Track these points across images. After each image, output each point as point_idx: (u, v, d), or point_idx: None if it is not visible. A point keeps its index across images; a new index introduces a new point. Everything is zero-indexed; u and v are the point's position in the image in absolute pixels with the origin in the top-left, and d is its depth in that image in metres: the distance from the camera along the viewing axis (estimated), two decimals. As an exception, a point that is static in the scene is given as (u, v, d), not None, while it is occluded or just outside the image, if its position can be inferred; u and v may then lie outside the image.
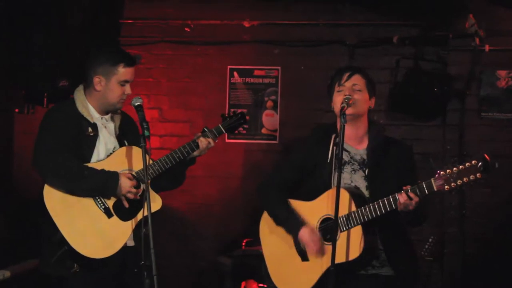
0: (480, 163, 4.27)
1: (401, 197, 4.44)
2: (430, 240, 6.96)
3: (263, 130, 8.00)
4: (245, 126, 6.28)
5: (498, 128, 7.58)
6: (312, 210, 4.82)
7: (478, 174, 4.27)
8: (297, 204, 4.93)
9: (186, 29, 8.01)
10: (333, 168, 4.76)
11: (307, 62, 7.96)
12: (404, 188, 4.46)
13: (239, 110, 5.59)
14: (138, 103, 4.86)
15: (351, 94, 4.70)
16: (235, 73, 8.06)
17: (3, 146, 7.94)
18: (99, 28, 7.46)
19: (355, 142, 4.86)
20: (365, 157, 4.82)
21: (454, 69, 7.53)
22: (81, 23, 7.12)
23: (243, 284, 7.00)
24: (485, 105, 7.65)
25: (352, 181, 4.79)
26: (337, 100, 4.76)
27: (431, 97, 7.42)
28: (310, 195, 4.86)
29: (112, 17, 7.93)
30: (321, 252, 4.72)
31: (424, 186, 4.41)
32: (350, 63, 7.67)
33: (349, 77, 4.80)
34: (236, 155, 8.00)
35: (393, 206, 4.48)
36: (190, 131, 7.87)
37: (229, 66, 8.09)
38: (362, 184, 4.77)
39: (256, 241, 7.36)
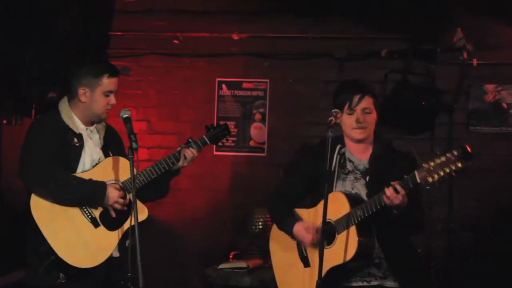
0: (459, 153, 4.32)
1: (388, 191, 4.47)
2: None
3: (251, 143, 8.00)
4: (229, 137, 6.29)
5: (486, 142, 7.61)
6: (314, 216, 4.93)
7: (458, 163, 4.31)
8: (300, 212, 5.07)
9: (175, 41, 8.01)
10: (335, 176, 4.85)
11: (296, 75, 7.97)
12: (391, 183, 4.50)
13: (223, 122, 5.62)
14: (126, 115, 4.87)
15: (362, 118, 4.83)
16: (224, 86, 8.06)
17: (-9, 157, 7.93)
18: (87, 39, 7.45)
19: (361, 153, 4.95)
20: (367, 166, 4.90)
21: (442, 83, 7.56)
22: (70, 35, 7.12)
23: (230, 296, 7.01)
24: (473, 118, 7.68)
25: (353, 189, 4.86)
26: (348, 123, 4.87)
27: (420, 110, 7.44)
28: (313, 203, 4.98)
29: (101, 29, 7.92)
30: (317, 243, 4.77)
31: (409, 178, 4.46)
32: (339, 77, 7.67)
33: (360, 100, 4.85)
34: (224, 167, 8.00)
35: (382, 203, 4.53)
36: (178, 143, 7.72)
37: (217, 79, 8.09)
38: (362, 192, 4.83)
39: (243, 253, 7.44)
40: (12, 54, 6.78)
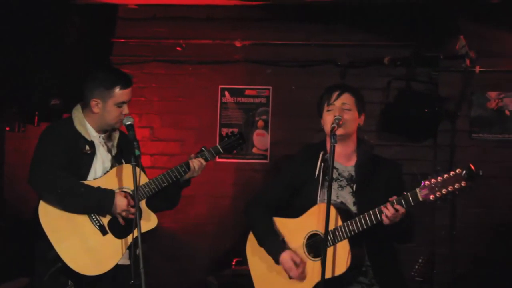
0: (464, 171, 4.28)
1: (386, 210, 4.43)
2: (420, 260, 6.95)
3: (254, 150, 8.00)
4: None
5: (489, 149, 7.61)
6: (299, 227, 4.82)
7: (463, 182, 4.29)
8: (283, 222, 4.94)
9: (178, 48, 8.02)
10: (319, 185, 4.76)
11: (299, 82, 7.97)
12: (389, 199, 4.45)
13: (234, 130, 5.59)
14: (129, 122, 4.90)
15: (340, 114, 4.71)
16: (226, 93, 8.07)
17: (-7, 164, 7.93)
18: (91, 47, 7.47)
19: (344, 159, 4.87)
20: (353, 173, 4.83)
21: (445, 90, 7.56)
22: (73, 42, 7.13)
23: (232, 303, 7.01)
24: (476, 126, 7.68)
25: (338, 197, 4.79)
26: (327, 120, 4.78)
27: (422, 118, 7.44)
28: (297, 212, 4.85)
29: (104, 36, 7.94)
30: (303, 275, 4.73)
31: (410, 196, 4.41)
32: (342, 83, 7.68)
33: (339, 96, 4.80)
34: (227, 174, 8.00)
35: (379, 219, 4.48)
36: (181, 150, 7.88)
37: (220, 86, 8.09)
38: (349, 200, 4.77)
39: (246, 260, 7.41)
40: (15, 62, 6.80)
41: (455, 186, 4.29)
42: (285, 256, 4.77)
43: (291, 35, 7.98)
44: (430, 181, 4.35)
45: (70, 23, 7.25)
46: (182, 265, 8.04)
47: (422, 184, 4.37)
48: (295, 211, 4.86)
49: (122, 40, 8.10)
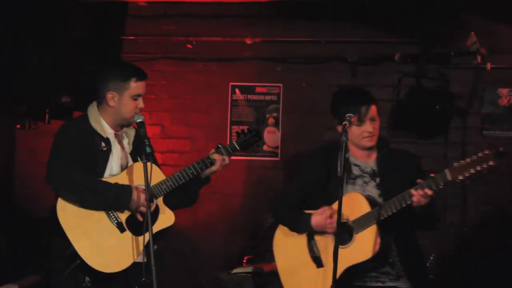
0: (492, 151, 4.43)
1: (415, 192, 4.56)
2: (432, 258, 6.95)
3: (265, 147, 8.00)
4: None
5: (500, 146, 7.57)
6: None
7: (491, 162, 4.41)
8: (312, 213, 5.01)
9: (188, 45, 8.02)
10: (344, 181, 4.82)
11: (309, 79, 7.97)
12: (418, 180, 4.57)
13: (244, 128, 5.62)
14: (140, 120, 4.90)
15: (371, 127, 4.90)
16: (237, 90, 8.06)
17: (5, 162, 7.94)
18: (100, 44, 7.46)
19: (365, 157, 5.01)
20: (375, 168, 4.97)
21: (456, 87, 7.54)
22: (83, 39, 7.13)
23: (243, 301, 7.00)
24: (487, 123, 7.66)
25: (364, 192, 4.90)
26: (357, 133, 4.92)
27: (433, 115, 7.42)
28: (329, 202, 4.93)
29: (114, 33, 7.93)
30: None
31: (439, 177, 4.53)
32: (352, 81, 7.68)
33: (367, 110, 4.91)
34: (237, 172, 7.99)
35: (408, 201, 4.60)
36: (192, 148, 7.89)
37: (230, 83, 8.09)
38: (375, 194, 4.89)
39: (257, 258, 7.43)
40: (25, 60, 6.80)
41: (483, 166, 4.42)
42: (314, 218, 4.90)
43: (301, 32, 7.98)
44: (458, 162, 4.47)
45: (79, 21, 7.25)
46: (193, 263, 8.05)
47: (451, 165, 4.50)
48: (329, 202, 4.93)
49: (131, 38, 8.09)
